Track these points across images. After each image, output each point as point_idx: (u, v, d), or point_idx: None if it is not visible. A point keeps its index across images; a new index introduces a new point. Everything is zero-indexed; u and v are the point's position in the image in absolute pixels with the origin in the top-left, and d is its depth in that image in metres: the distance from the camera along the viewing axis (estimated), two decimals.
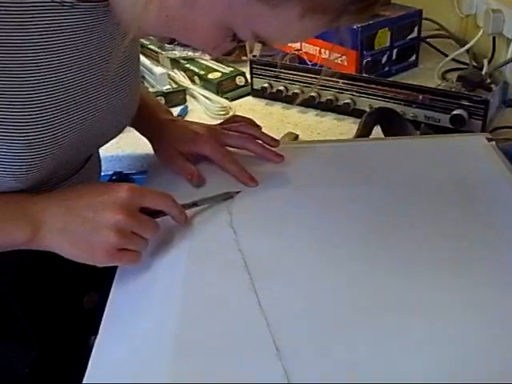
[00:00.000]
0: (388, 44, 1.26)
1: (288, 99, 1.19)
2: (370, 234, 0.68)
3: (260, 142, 0.84)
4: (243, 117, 0.89)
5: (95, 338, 0.59)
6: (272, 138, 0.83)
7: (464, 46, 1.33)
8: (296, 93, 1.17)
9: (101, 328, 0.59)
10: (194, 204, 0.71)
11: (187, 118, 1.18)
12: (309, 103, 1.16)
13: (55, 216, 0.60)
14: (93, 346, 0.58)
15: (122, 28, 0.61)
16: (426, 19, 1.39)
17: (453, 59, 1.32)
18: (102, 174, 1.07)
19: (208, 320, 0.58)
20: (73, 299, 0.73)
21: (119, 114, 0.71)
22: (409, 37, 1.30)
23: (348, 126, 1.11)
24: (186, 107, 1.20)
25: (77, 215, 0.60)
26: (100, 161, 0.86)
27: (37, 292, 0.74)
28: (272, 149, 0.84)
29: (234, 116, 0.88)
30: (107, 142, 0.76)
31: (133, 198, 0.61)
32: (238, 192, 0.76)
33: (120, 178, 1.13)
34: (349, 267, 0.63)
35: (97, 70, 0.64)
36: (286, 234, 0.69)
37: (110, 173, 1.11)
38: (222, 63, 1.33)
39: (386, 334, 0.55)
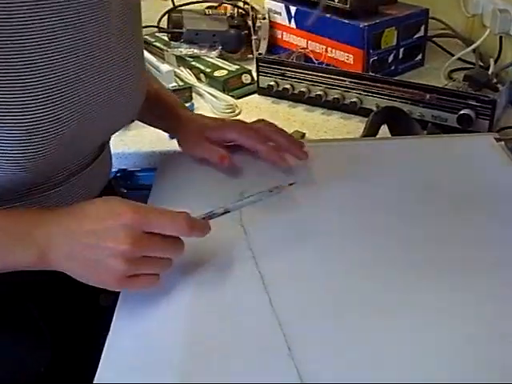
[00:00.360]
0: (394, 43, 1.26)
1: (294, 97, 1.19)
2: (380, 234, 0.68)
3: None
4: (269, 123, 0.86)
5: None
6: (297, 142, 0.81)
7: (470, 45, 1.33)
8: (302, 91, 1.17)
9: (112, 326, 0.59)
10: (210, 217, 0.64)
11: None
12: (315, 102, 1.16)
13: (60, 242, 0.58)
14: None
15: None
16: (433, 18, 1.39)
17: (459, 59, 1.31)
18: None
19: (219, 319, 0.58)
20: (89, 297, 0.73)
21: (124, 97, 0.70)
22: (415, 36, 1.30)
23: (355, 125, 1.11)
24: (192, 105, 1.19)
25: (80, 242, 0.57)
26: (111, 157, 0.86)
27: (52, 290, 0.74)
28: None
29: (259, 120, 0.87)
30: (115, 130, 0.74)
31: (138, 224, 0.57)
32: (290, 183, 0.71)
33: (124, 175, 1.13)
34: (361, 267, 0.63)
35: (96, 48, 0.63)
36: (297, 232, 0.69)
37: (115, 170, 1.11)
38: (227, 61, 1.33)
39: (398, 334, 0.55)
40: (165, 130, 0.92)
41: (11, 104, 0.56)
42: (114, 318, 0.60)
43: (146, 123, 0.96)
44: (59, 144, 0.61)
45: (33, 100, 0.58)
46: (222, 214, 0.64)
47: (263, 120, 0.87)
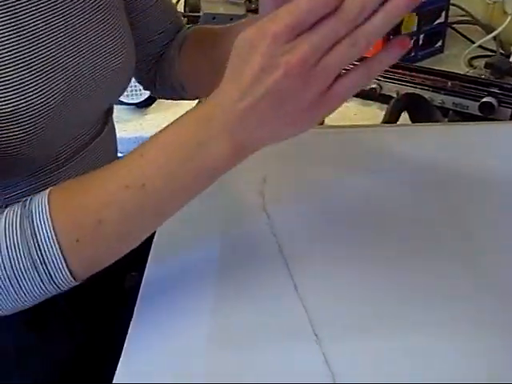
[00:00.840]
0: (415, 29, 1.24)
1: None
2: (405, 222, 0.67)
3: None
4: None
5: None
6: None
7: (490, 32, 1.31)
8: None
9: (135, 313, 0.59)
10: None
11: None
12: None
13: (242, 121, 0.48)
14: None
15: None
16: (453, 5, 1.37)
17: (479, 46, 1.30)
18: (121, 154, 1.07)
19: (244, 305, 0.57)
20: (114, 279, 0.72)
21: (109, 72, 0.67)
22: (436, 22, 1.28)
23: (374, 112, 1.10)
24: None
25: (253, 99, 0.46)
26: (115, 134, 0.83)
27: (79, 284, 0.74)
28: None
29: None
30: (104, 101, 0.72)
31: (287, 29, 0.44)
32: None
33: None
34: (387, 253, 0.63)
35: (75, 17, 0.62)
36: (320, 218, 0.68)
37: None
38: None
39: (424, 324, 0.54)
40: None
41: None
42: (137, 303, 0.60)
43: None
44: (48, 116, 0.59)
45: (16, 72, 0.56)
46: None
47: None
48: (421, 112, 1.02)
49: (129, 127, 1.08)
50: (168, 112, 1.11)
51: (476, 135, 0.88)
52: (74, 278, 0.53)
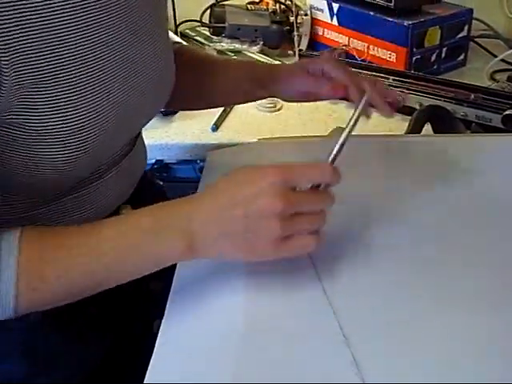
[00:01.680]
0: (438, 42, 1.25)
1: None
2: (428, 227, 0.69)
3: None
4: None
5: (160, 321, 0.59)
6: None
7: None
8: None
9: (163, 319, 0.60)
10: (333, 159, 0.61)
11: (234, 111, 1.19)
12: None
13: (207, 225, 0.55)
14: (157, 330, 0.59)
15: None
16: (475, 19, 1.38)
17: (501, 60, 1.31)
18: (150, 161, 1.09)
19: (274, 308, 0.58)
20: (139, 284, 0.74)
21: (157, 88, 0.70)
22: (458, 36, 1.30)
23: (397, 123, 1.11)
24: None
25: (229, 216, 0.54)
26: (145, 146, 0.86)
27: None
28: None
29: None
30: (150, 118, 0.74)
31: (284, 179, 0.54)
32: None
33: (161, 166, 1.15)
34: (413, 257, 0.64)
35: (127, 45, 0.63)
36: (345, 221, 0.69)
37: (152, 161, 1.13)
38: (268, 56, 1.34)
39: (452, 326, 0.55)
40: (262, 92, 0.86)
41: (58, 102, 0.56)
42: (167, 308, 0.61)
43: (236, 100, 0.95)
44: (102, 139, 0.61)
45: (78, 97, 0.57)
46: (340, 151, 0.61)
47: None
48: (444, 124, 1.03)
49: (156, 134, 1.10)
50: (193, 120, 1.13)
51: (499, 147, 0.89)
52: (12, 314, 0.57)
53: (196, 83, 0.84)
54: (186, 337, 0.57)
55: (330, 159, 0.60)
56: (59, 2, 0.54)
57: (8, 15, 0.50)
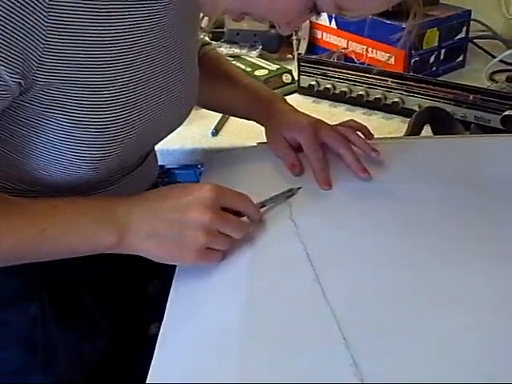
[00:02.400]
0: (436, 44, 1.26)
1: (335, 97, 1.19)
2: (428, 228, 0.69)
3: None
4: (358, 122, 0.87)
5: (158, 325, 0.60)
6: (373, 148, 0.81)
7: (511, 47, 1.32)
8: (344, 91, 1.18)
9: (164, 319, 0.60)
10: (263, 205, 0.71)
11: None
12: (357, 101, 1.17)
13: (142, 220, 0.61)
14: (154, 333, 0.59)
15: (204, 7, 0.64)
16: (474, 20, 1.38)
17: (500, 60, 1.31)
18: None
19: (273, 310, 0.58)
20: (137, 286, 0.75)
21: (181, 105, 0.73)
22: (457, 37, 1.30)
23: (396, 125, 1.11)
24: None
25: (163, 218, 0.61)
26: (156, 157, 0.88)
27: (104, 281, 0.76)
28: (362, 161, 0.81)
29: (351, 120, 0.88)
30: (168, 134, 0.78)
31: (216, 197, 0.62)
32: (299, 188, 0.77)
33: (162, 172, 1.15)
34: (412, 258, 0.64)
35: (161, 63, 0.67)
36: (346, 225, 0.70)
37: None
38: (268, 60, 1.34)
39: (451, 325, 0.55)
40: (254, 120, 0.93)
41: (88, 104, 0.60)
42: (166, 310, 0.61)
43: (232, 114, 1.02)
44: (126, 144, 0.65)
45: (110, 104, 0.61)
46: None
47: (353, 121, 0.87)
48: (443, 125, 1.03)
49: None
50: (193, 125, 1.13)
51: (499, 148, 0.89)
52: None
53: (202, 86, 0.86)
54: (186, 337, 0.57)
55: (260, 201, 0.70)
56: (115, 20, 0.59)
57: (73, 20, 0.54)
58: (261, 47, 1.37)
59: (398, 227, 0.70)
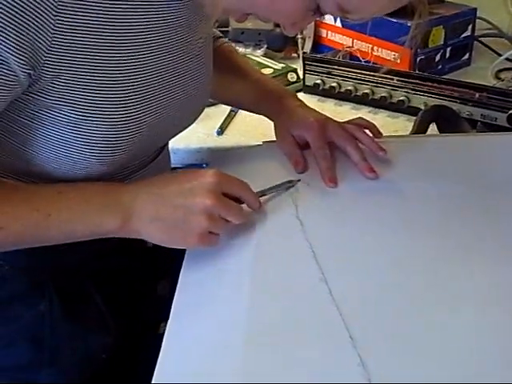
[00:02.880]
0: (442, 42, 1.25)
1: (341, 96, 1.19)
2: (433, 226, 0.69)
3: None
4: (366, 120, 0.88)
5: (165, 325, 0.60)
6: (380, 147, 0.80)
7: None
8: (349, 89, 1.17)
9: (169, 319, 0.60)
10: (263, 194, 0.72)
11: (239, 114, 1.20)
12: (362, 100, 1.17)
13: (146, 204, 0.62)
14: (163, 333, 0.59)
15: (205, 8, 0.64)
16: (479, 18, 1.38)
17: (506, 59, 1.30)
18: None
19: (279, 309, 0.58)
20: (146, 285, 0.75)
21: (193, 102, 0.73)
22: (462, 35, 1.29)
23: (402, 124, 1.11)
24: None
25: (167, 202, 0.62)
26: (169, 154, 0.88)
27: (114, 279, 0.76)
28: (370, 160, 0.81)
29: (360, 118, 0.88)
30: (181, 130, 0.78)
31: (219, 183, 0.63)
32: (298, 180, 0.77)
33: None
34: (419, 257, 0.64)
35: (174, 60, 0.67)
36: (352, 224, 0.70)
37: None
38: (273, 59, 1.34)
39: (458, 324, 0.55)
40: (263, 115, 0.93)
41: (97, 98, 0.60)
42: (172, 309, 0.61)
43: (243, 108, 1.01)
44: (137, 140, 0.65)
45: (120, 99, 0.62)
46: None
47: (362, 119, 0.88)
48: (449, 124, 1.02)
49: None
50: (198, 124, 1.13)
51: (505, 146, 0.89)
52: None
53: (215, 79, 0.87)
54: (191, 337, 0.57)
55: (259, 190, 0.71)
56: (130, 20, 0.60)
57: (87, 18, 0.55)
58: (266, 46, 1.37)
59: (403, 226, 0.69)
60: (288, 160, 0.83)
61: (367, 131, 0.84)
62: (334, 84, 1.19)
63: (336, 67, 1.19)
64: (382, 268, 0.63)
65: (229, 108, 1.18)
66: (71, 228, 0.62)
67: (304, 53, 1.35)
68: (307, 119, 0.82)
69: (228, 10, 0.66)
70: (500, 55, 1.32)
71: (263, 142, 0.92)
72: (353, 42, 1.32)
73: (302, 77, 1.25)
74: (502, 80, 1.21)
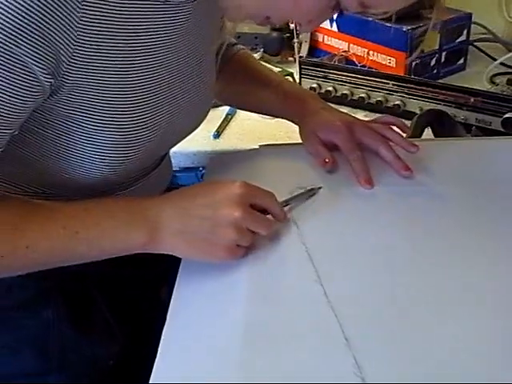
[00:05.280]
0: (437, 47, 1.26)
1: (337, 100, 1.20)
2: (430, 231, 0.69)
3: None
4: (392, 117, 0.88)
5: None
6: (411, 143, 0.81)
7: None
8: (345, 93, 1.18)
9: (167, 321, 0.61)
10: (287, 204, 0.72)
11: (236, 118, 1.20)
12: (358, 104, 1.17)
13: (172, 218, 0.61)
14: None
15: (228, 12, 0.64)
16: (474, 23, 1.39)
17: (501, 63, 1.31)
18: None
19: (275, 310, 0.59)
20: (151, 291, 0.76)
21: (197, 109, 0.74)
22: (458, 40, 1.30)
23: (397, 128, 1.11)
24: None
25: (195, 215, 0.61)
26: (170, 161, 0.89)
27: (119, 286, 0.77)
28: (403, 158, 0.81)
29: (386, 116, 0.88)
30: (184, 137, 0.78)
31: (246, 194, 0.63)
32: (319, 188, 0.77)
33: None
34: (413, 258, 0.65)
35: (181, 66, 0.68)
36: (347, 226, 0.70)
37: None
38: (269, 63, 1.34)
39: (453, 325, 0.56)
40: (287, 119, 0.93)
41: (112, 107, 0.61)
42: (169, 312, 0.62)
43: (265, 113, 1.00)
44: (147, 147, 0.66)
45: (133, 107, 0.62)
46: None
47: (389, 116, 0.88)
48: (444, 128, 1.03)
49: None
50: (210, 123, 1.13)
51: (499, 150, 0.89)
52: None
53: (236, 89, 0.89)
54: (189, 337, 0.58)
55: (283, 200, 0.71)
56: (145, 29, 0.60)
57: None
58: (262, 50, 1.38)
59: (398, 228, 0.70)
60: (314, 160, 0.82)
61: (395, 128, 0.84)
62: (330, 88, 1.20)
63: (332, 71, 1.20)
64: (376, 269, 0.63)
65: (225, 111, 1.19)
66: (99, 245, 0.61)
67: (300, 57, 1.36)
68: (333, 122, 0.82)
69: (250, 14, 0.66)
70: (495, 60, 1.33)
71: (260, 145, 0.92)
72: (349, 47, 1.33)
73: (298, 81, 1.26)
74: (497, 84, 1.22)
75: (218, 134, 1.13)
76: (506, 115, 1.01)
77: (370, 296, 0.60)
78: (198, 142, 1.10)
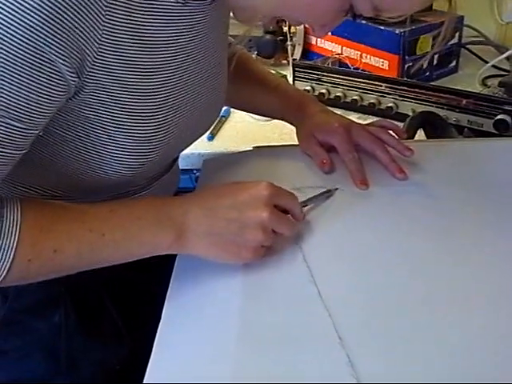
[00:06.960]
0: (429, 49, 1.27)
1: (330, 102, 1.20)
2: (424, 231, 0.70)
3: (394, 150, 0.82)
4: (389, 122, 0.89)
5: None
6: (407, 147, 0.81)
7: (503, 52, 1.34)
8: (338, 96, 1.19)
9: (161, 321, 0.61)
10: (305, 205, 0.72)
11: (229, 120, 1.21)
12: (351, 106, 1.18)
13: (199, 219, 0.61)
14: None
15: (245, 13, 0.64)
16: (466, 26, 1.40)
17: (492, 66, 1.33)
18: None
19: (269, 310, 0.59)
20: (161, 295, 0.76)
21: (211, 110, 0.75)
22: (450, 43, 1.31)
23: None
24: (229, 108, 1.22)
25: (221, 217, 0.61)
26: (178, 164, 0.89)
27: (128, 291, 0.77)
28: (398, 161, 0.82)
29: (382, 120, 0.90)
30: (196, 139, 0.79)
31: (272, 195, 0.62)
32: (336, 189, 0.77)
33: None
34: (407, 258, 0.65)
35: (200, 67, 0.68)
36: (341, 226, 0.71)
37: None
38: None
39: (447, 324, 0.56)
40: (285, 121, 0.94)
41: (133, 109, 0.60)
42: (164, 311, 0.62)
43: (264, 115, 1.03)
44: (165, 149, 0.66)
45: (152, 108, 0.62)
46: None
47: (386, 121, 0.89)
48: (436, 129, 1.04)
49: None
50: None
51: (491, 151, 0.90)
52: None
53: (235, 90, 0.88)
54: (183, 337, 0.58)
55: (302, 201, 0.70)
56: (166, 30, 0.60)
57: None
58: (256, 53, 1.38)
59: (391, 228, 0.70)
60: (310, 161, 0.83)
61: (391, 132, 0.85)
62: (324, 90, 1.21)
63: (325, 74, 1.20)
64: (371, 270, 0.64)
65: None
66: (126, 247, 0.60)
67: (294, 59, 1.37)
68: (331, 124, 0.83)
69: (264, 14, 0.65)
70: (487, 62, 1.34)
71: (253, 147, 0.93)
72: (342, 49, 1.34)
73: (291, 83, 1.26)
74: (489, 87, 1.23)
75: (212, 136, 1.13)
76: (498, 117, 1.02)
77: (364, 296, 0.60)
78: (192, 144, 1.11)
